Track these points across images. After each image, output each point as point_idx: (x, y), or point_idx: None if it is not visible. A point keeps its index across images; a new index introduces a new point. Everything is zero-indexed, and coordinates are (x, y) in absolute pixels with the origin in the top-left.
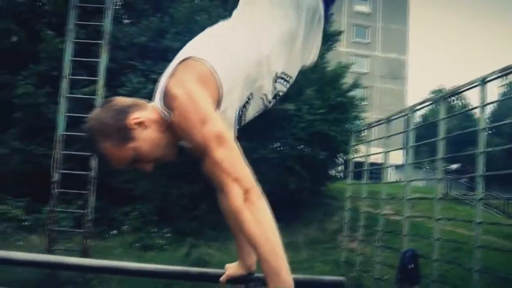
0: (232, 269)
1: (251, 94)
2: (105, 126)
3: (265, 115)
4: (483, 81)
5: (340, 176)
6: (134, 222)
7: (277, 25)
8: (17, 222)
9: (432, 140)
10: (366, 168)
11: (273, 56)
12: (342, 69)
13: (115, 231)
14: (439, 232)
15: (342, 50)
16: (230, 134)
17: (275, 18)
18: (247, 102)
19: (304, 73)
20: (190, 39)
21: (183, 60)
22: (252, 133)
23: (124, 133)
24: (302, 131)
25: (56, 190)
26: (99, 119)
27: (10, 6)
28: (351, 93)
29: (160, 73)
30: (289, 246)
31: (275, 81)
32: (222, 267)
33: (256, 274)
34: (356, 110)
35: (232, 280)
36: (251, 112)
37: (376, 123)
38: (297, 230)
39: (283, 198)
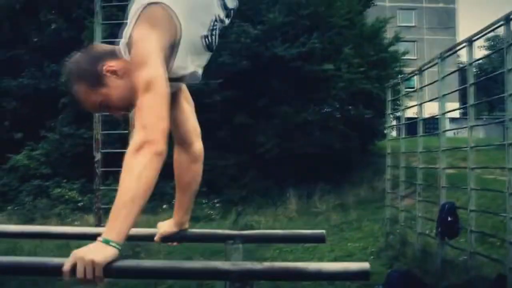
0: (164, 227)
1: (215, 17)
2: (80, 70)
3: (304, 77)
4: (507, 20)
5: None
6: None
7: None
8: (73, 204)
9: (462, 87)
10: (402, 123)
11: None
12: (381, 24)
13: (165, 205)
14: (474, 181)
15: (386, 4)
16: (162, 83)
17: None
18: (213, 26)
19: (341, 31)
20: None
21: (143, 8)
22: (292, 97)
23: (97, 79)
24: (342, 91)
25: (99, 169)
26: (76, 62)
27: None
28: (394, 48)
29: None
30: (338, 207)
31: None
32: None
33: (237, 231)
34: (399, 65)
35: (167, 238)
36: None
37: (409, 75)
38: (346, 190)
39: (331, 160)
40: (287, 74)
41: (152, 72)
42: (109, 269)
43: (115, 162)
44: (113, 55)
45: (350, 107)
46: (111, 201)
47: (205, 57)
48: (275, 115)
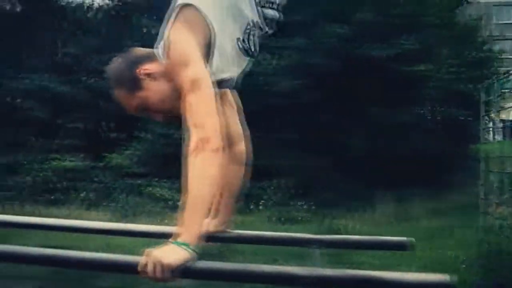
0: (211, 226)
1: (250, 21)
2: (118, 75)
3: (395, 78)
4: None
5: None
6: (274, 196)
7: None
8: (163, 202)
9: None
10: (499, 125)
11: None
12: (475, 22)
13: (252, 206)
14: None
15: (482, 0)
16: (207, 80)
17: None
18: (249, 31)
19: (433, 30)
20: (312, 11)
21: (175, 9)
22: (383, 98)
23: (134, 82)
24: (435, 92)
25: None
26: (115, 67)
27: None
28: (490, 47)
29: (285, 48)
30: (430, 212)
31: (261, 7)
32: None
33: (318, 236)
34: (495, 64)
35: (209, 236)
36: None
37: (505, 75)
38: (438, 195)
39: (423, 163)
40: (377, 75)
41: (196, 71)
42: (179, 270)
43: None
44: (150, 58)
45: (442, 108)
46: None
47: (243, 62)
48: (365, 116)
